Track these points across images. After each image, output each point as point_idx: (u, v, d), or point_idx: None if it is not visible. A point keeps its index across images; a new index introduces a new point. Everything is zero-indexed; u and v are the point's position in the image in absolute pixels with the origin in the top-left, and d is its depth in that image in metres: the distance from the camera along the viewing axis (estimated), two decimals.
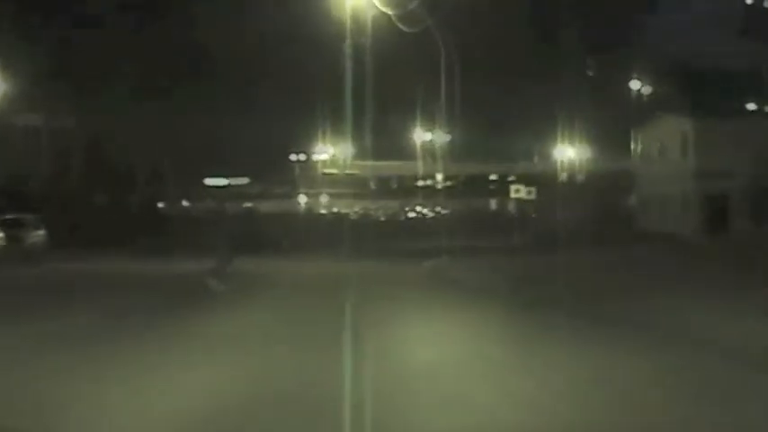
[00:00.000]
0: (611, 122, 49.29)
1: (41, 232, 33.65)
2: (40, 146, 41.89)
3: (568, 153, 54.46)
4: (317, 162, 67.95)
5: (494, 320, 13.46)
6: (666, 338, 10.73)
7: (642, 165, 47.74)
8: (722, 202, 38.62)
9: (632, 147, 48.88)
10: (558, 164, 54.48)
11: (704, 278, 18.66)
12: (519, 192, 38.79)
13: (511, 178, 57.54)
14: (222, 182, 66.07)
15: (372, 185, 75.74)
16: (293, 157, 69.92)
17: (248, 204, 60.02)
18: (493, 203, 61.95)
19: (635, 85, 54.95)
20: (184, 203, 61.48)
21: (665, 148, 44.08)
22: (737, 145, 36.85)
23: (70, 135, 42.75)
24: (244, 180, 64.46)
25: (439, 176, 63.70)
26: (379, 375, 8.09)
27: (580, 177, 54.02)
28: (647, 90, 54.39)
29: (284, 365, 9.46)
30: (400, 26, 35.55)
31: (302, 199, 72.03)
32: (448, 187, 60.64)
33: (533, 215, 46.22)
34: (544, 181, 48.59)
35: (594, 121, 48.99)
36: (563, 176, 53.75)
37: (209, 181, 65.69)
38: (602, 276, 20.19)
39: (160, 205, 55.94)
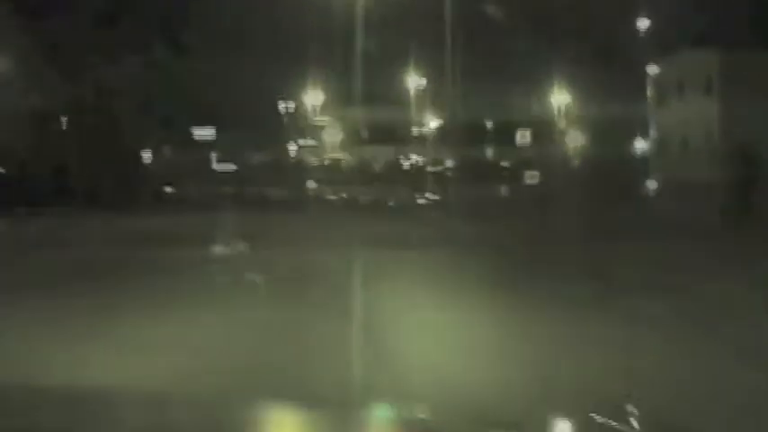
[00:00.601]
0: (621, 62, 45.98)
1: None
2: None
3: (568, 99, 52.09)
4: (306, 110, 66.20)
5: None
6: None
7: (657, 108, 44.17)
8: (754, 151, 34.78)
9: (647, 89, 44.88)
10: (558, 110, 52.22)
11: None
12: (525, 138, 37.04)
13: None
14: (210, 133, 64.21)
15: (364, 134, 74.09)
16: (282, 105, 68.14)
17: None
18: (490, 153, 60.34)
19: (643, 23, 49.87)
20: (167, 153, 59.50)
21: (685, 89, 40.22)
22: None
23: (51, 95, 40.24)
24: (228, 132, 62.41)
25: (433, 123, 62.20)
26: None
27: (583, 126, 51.53)
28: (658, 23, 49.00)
29: None
30: None
31: (292, 148, 70.34)
32: (442, 136, 59.09)
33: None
34: (544, 131, 46.71)
35: (600, 62, 45.97)
36: (562, 124, 51.49)
37: (197, 132, 63.90)
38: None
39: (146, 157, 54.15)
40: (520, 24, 47.63)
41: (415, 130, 64.18)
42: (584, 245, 17.22)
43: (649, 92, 44.63)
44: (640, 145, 48.86)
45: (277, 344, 8.24)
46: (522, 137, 38.09)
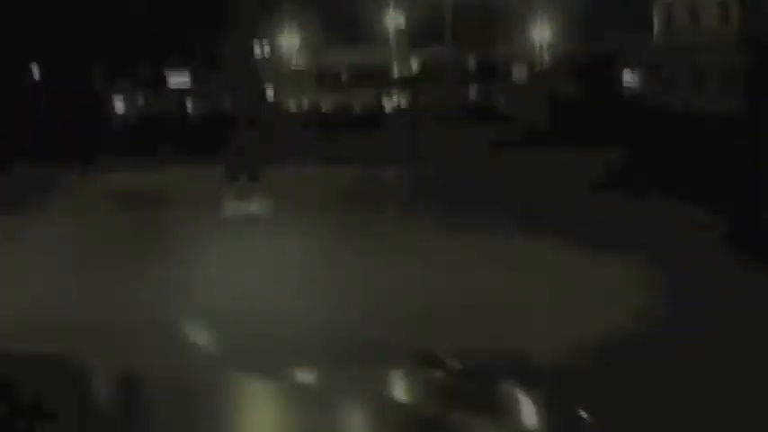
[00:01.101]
0: None
1: None
2: None
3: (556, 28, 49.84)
4: (282, 53, 64.43)
5: None
6: None
7: (666, 35, 42.29)
8: None
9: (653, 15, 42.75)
10: (544, 43, 50.18)
11: None
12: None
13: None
14: (184, 79, 62.29)
15: (343, 76, 72.33)
16: (257, 48, 66.27)
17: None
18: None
19: None
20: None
21: (698, 14, 38.10)
22: None
23: None
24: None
25: (414, 63, 60.43)
26: None
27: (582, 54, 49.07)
28: None
29: None
30: None
31: (269, 93, 68.65)
32: (422, 75, 57.76)
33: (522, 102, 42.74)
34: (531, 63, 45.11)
35: None
36: (551, 57, 49.55)
37: (173, 80, 61.95)
38: None
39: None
40: None
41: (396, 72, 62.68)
42: None
43: None
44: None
45: None
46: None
